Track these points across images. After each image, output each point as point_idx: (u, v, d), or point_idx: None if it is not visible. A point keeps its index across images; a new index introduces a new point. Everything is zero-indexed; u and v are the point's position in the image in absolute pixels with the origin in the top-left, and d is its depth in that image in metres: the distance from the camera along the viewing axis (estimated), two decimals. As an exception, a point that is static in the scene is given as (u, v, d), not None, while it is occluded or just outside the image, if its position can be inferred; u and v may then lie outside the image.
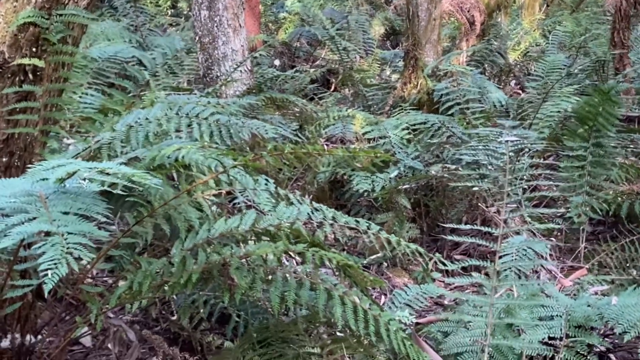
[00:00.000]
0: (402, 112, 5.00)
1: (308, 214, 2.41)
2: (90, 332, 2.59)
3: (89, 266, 2.31)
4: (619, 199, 4.15)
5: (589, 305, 2.72)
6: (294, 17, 9.99)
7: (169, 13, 10.06)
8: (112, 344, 2.56)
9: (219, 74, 5.29)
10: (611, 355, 2.99)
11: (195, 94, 4.88)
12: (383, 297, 3.66)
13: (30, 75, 2.45)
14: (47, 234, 1.56)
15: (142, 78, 4.57)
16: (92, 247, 1.67)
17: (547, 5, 11.46)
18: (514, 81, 7.94)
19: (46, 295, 1.55)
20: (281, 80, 5.92)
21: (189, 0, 8.21)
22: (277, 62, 7.69)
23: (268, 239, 2.42)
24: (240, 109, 2.89)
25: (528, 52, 8.71)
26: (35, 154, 2.44)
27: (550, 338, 2.61)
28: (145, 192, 2.22)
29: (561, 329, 2.60)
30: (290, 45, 8.53)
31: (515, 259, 2.70)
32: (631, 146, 4.60)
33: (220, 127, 2.39)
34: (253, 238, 2.42)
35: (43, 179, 1.65)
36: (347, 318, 2.20)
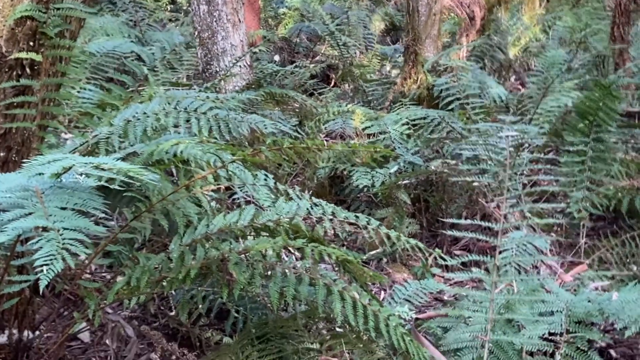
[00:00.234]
0: (402, 107, 4.98)
1: (307, 209, 2.40)
2: (88, 327, 2.58)
3: (86, 262, 2.30)
4: (620, 194, 4.14)
5: (589, 301, 2.71)
6: (293, 12, 9.95)
7: (169, 8, 10.02)
8: (110, 339, 2.54)
9: (218, 69, 5.27)
10: (611, 351, 2.99)
11: (194, 88, 4.87)
12: (383, 292, 3.65)
13: (28, 70, 2.44)
14: (44, 229, 1.55)
15: (141, 73, 4.55)
16: (89, 243, 1.66)
17: (548, 1, 11.42)
18: (514, 76, 7.92)
19: (42, 290, 1.54)
20: (281, 75, 5.90)
21: (189, -5, 8.18)
22: (277, 58, 7.67)
23: (267, 234, 2.41)
24: (239, 104, 2.87)
25: (528, 47, 8.68)
26: (32, 148, 2.43)
27: (550, 334, 2.60)
28: (143, 187, 2.20)
29: (561, 325, 2.59)
30: (290, 41, 8.51)
31: (515, 254, 2.69)
32: (632, 141, 4.59)
33: (219, 122, 2.38)
34: (252, 233, 2.41)
35: (39, 174, 1.64)
36: (346, 313, 2.19)
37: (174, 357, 2.51)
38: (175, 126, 2.48)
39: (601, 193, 4.05)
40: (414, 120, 4.54)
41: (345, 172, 4.27)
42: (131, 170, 1.64)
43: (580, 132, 4.00)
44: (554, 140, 4.40)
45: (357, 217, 2.58)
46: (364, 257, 3.86)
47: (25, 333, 2.39)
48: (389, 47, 8.31)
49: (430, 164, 4.17)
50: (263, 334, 2.47)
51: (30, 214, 1.57)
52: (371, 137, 4.57)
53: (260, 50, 6.60)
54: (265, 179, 2.70)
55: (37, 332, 2.44)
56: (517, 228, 3.37)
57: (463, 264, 4.00)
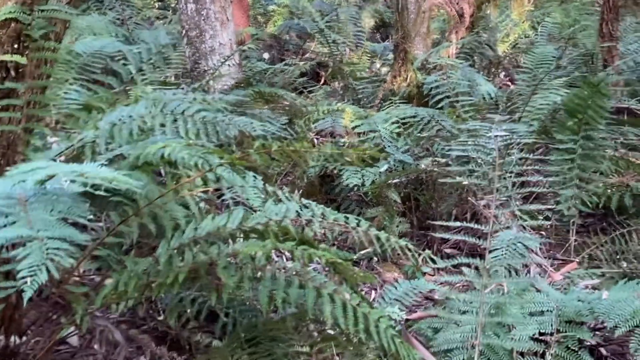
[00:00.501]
0: (392, 105, 4.97)
1: (297, 211, 2.38)
2: (77, 332, 2.55)
3: (74, 266, 2.27)
4: (609, 191, 4.15)
5: (579, 300, 2.72)
6: (283, 9, 9.91)
7: (156, 6, 9.96)
8: (98, 344, 2.52)
9: (206, 68, 5.24)
10: (602, 349, 2.99)
11: (183, 88, 4.83)
12: (373, 292, 3.64)
13: (12, 72, 2.41)
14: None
15: (127, 74, 4.51)
16: (76, 249, 1.63)
17: (536, -4, 11.43)
18: (503, 73, 7.93)
19: (26, 300, 1.51)
20: (270, 73, 5.87)
21: (177, -7, 8.12)
22: (266, 56, 7.64)
23: (256, 236, 2.39)
24: (227, 105, 2.85)
25: (517, 43, 8.68)
26: (18, 152, 2.40)
27: (541, 334, 2.60)
28: (129, 191, 2.18)
29: (552, 325, 2.59)
30: (280, 38, 8.47)
31: (506, 254, 2.69)
32: (621, 138, 4.60)
33: (206, 125, 2.36)
34: (241, 236, 2.39)
35: (22, 181, 1.61)
36: (336, 316, 2.18)
37: (163, 360, 2.50)
38: (162, 125, 2.45)
39: (590, 190, 4.06)
40: (404, 118, 4.53)
41: (335, 171, 4.25)
42: (115, 179, 1.62)
43: (569, 130, 4.01)
44: (544, 138, 4.40)
45: (346, 218, 2.57)
46: (355, 257, 3.85)
47: (12, 338, 2.36)
48: (379, 44, 8.29)
49: (420, 163, 4.16)
50: (253, 337, 2.46)
51: (13, 222, 1.55)
52: (361, 135, 4.56)
53: (249, 48, 6.57)
54: (254, 179, 2.68)
55: (25, 338, 2.42)
56: (508, 227, 3.37)
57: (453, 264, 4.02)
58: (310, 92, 6.20)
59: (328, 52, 7.14)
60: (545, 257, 3.59)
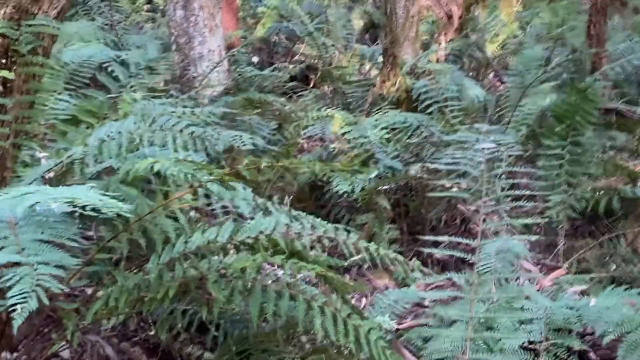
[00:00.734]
0: (381, 111, 4.98)
1: (286, 224, 2.39)
2: (68, 346, 2.55)
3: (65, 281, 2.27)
4: (597, 194, 4.18)
5: (568, 307, 2.74)
6: (272, 11, 9.89)
7: (145, 8, 9.92)
8: (89, 358, 2.52)
9: (195, 75, 5.24)
10: (590, 354, 3.01)
11: (172, 94, 4.83)
12: (364, 299, 3.66)
13: (0, 87, 2.41)
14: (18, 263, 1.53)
15: (116, 88, 4.50)
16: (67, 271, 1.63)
17: (524, -4, 11.46)
18: (492, 74, 7.96)
19: (15, 327, 1.51)
20: (259, 78, 5.87)
21: (165, -4, 8.10)
22: (255, 59, 7.62)
23: (247, 248, 2.40)
24: (216, 118, 2.85)
25: (506, 44, 8.72)
26: (7, 168, 2.40)
27: (530, 342, 2.62)
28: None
29: (541, 333, 2.61)
30: (269, 41, 8.46)
31: (495, 264, 2.71)
32: (609, 142, 4.64)
33: (195, 140, 2.36)
34: (232, 249, 2.39)
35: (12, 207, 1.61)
36: (326, 328, 2.19)
37: (154, 374, 2.50)
38: (151, 142, 2.44)
39: (578, 195, 4.09)
40: (394, 124, 4.54)
41: (325, 178, 4.25)
42: (105, 205, 1.62)
43: (557, 135, 4.03)
44: (532, 143, 4.43)
45: (337, 228, 2.58)
46: (345, 264, 3.86)
47: (4, 355, 2.36)
48: (368, 48, 8.28)
49: (409, 168, 4.17)
50: (244, 349, 2.47)
51: (2, 248, 1.55)
52: (350, 141, 4.56)
53: (238, 51, 6.56)
54: (244, 190, 2.68)
55: (16, 354, 2.41)
56: (497, 232, 3.40)
57: (443, 266, 4.04)
58: (300, 96, 6.21)
59: (317, 55, 7.15)
60: (534, 263, 3.61)
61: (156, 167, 2.11)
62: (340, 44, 7.83)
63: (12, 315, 1.43)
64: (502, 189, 3.47)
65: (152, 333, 2.68)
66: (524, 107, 4.72)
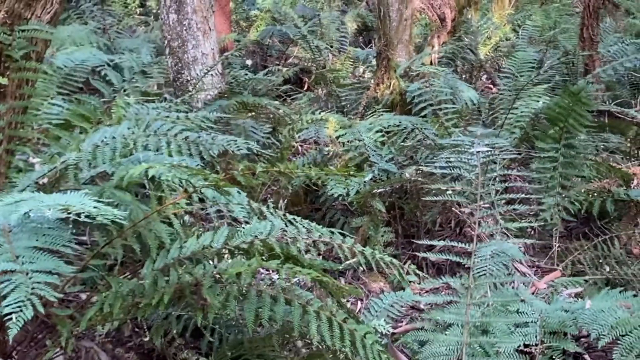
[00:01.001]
0: (376, 113, 4.98)
1: (282, 229, 2.39)
2: (62, 352, 2.54)
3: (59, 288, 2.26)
4: (591, 196, 4.19)
5: (563, 310, 2.74)
6: (265, 14, 9.89)
7: (138, 12, 9.91)
8: (84, 365, 2.51)
9: (189, 78, 5.23)
10: (586, 356, 3.02)
11: (166, 97, 4.81)
12: (359, 302, 3.66)
13: (-7, 93, 2.39)
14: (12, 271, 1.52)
15: (108, 94, 4.49)
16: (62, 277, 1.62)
17: (517, -1, 11.50)
18: (485, 76, 7.97)
19: (11, 337, 1.50)
20: (253, 82, 5.86)
21: (158, -1, 8.08)
22: (249, 62, 7.62)
23: (242, 253, 2.39)
24: (210, 123, 2.84)
25: (499, 46, 8.74)
26: (0, 173, 2.39)
27: (525, 345, 2.62)
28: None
29: (536, 336, 2.62)
30: (262, 44, 8.46)
31: (490, 267, 2.71)
32: (602, 145, 4.65)
33: (189, 145, 2.36)
34: (227, 254, 2.39)
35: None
36: (322, 333, 2.19)
37: (149, 380, 2.49)
38: (145, 147, 2.43)
39: (572, 197, 4.10)
40: (388, 127, 4.54)
41: (320, 181, 4.25)
42: (99, 212, 1.62)
43: (551, 138, 4.05)
44: (526, 146, 4.44)
45: (332, 232, 2.58)
46: (341, 267, 3.85)
47: (-3, 361, 2.35)
48: (362, 51, 8.29)
49: (404, 171, 4.17)
50: (239, 355, 2.46)
51: (-3, 255, 1.54)
52: (345, 144, 4.56)
53: (232, 54, 6.56)
54: (239, 194, 2.68)
55: (10, 360, 2.40)
56: (491, 235, 3.40)
57: (438, 269, 4.05)
58: (293, 99, 6.20)
59: (311, 58, 7.15)
60: (528, 266, 3.61)
61: (150, 173, 2.10)
62: (334, 46, 7.84)
63: (7, 324, 1.42)
64: (497, 192, 3.48)
65: (146, 339, 2.67)
66: (517, 109, 4.73)
